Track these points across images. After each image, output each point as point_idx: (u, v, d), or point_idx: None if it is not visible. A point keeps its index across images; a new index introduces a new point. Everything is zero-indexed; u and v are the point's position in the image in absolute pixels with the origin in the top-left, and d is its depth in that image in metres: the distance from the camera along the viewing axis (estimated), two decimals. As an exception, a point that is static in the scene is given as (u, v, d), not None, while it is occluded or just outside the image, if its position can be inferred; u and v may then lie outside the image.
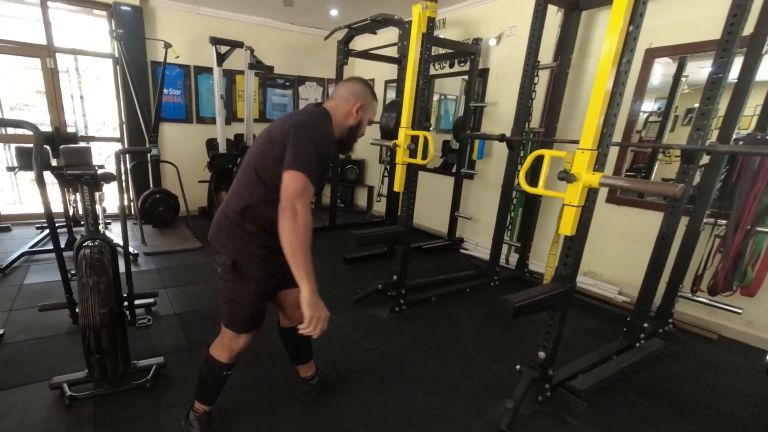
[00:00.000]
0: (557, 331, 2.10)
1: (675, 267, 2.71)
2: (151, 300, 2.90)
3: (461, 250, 4.71)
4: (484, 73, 4.33)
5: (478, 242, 4.63)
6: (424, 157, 2.59)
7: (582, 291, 3.58)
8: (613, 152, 3.36)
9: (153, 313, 2.88)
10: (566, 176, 1.69)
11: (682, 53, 2.99)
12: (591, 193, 1.73)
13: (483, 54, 4.29)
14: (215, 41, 4.74)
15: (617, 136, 3.29)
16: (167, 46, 4.72)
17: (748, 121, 2.62)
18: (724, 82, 2.06)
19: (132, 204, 5.07)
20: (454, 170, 4.60)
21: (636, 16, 1.47)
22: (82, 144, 3.17)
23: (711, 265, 2.66)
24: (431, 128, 5.39)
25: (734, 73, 2.31)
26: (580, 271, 3.71)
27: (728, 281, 2.55)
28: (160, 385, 2.13)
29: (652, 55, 3.05)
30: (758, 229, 2.35)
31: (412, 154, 2.63)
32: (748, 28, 2.25)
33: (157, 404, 2.00)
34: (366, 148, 6.37)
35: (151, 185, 4.86)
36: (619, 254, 3.44)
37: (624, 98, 3.25)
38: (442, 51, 4.54)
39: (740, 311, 2.58)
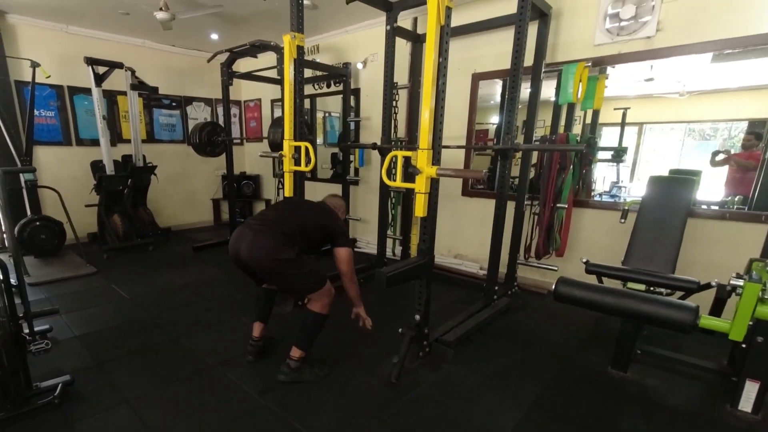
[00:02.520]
0: (426, 295, 2.60)
1: (512, 241, 3.45)
2: (47, 326, 2.80)
3: (355, 249, 5.16)
4: (357, 92, 4.88)
5: (369, 240, 5.13)
6: (307, 164, 2.96)
7: (453, 270, 4.25)
8: (460, 155, 4.07)
9: (50, 338, 2.77)
10: (414, 170, 2.19)
11: (499, 77, 3.83)
12: (433, 182, 2.24)
13: (354, 76, 4.83)
14: (91, 61, 4.57)
15: (461, 141, 4.00)
16: (35, 65, 4.41)
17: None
18: (517, 99, 2.78)
19: (5, 235, 4.59)
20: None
21: (442, 51, 2.03)
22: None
23: (535, 237, 3.44)
24: (320, 142, 5.80)
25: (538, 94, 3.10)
26: (451, 253, 4.42)
27: (546, 247, 3.34)
28: (71, 401, 2.11)
29: (477, 77, 3.87)
30: (558, 205, 3.17)
31: (297, 162, 2.98)
32: (529, 60, 3.06)
33: (69, 418, 1.99)
34: (259, 162, 6.53)
35: (29, 213, 4.47)
36: (477, 237, 4.17)
37: (460, 115, 4.00)
38: (319, 73, 4.96)
39: (556, 268, 3.40)
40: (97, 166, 4.96)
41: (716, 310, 2.06)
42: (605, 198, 6.60)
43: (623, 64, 3.16)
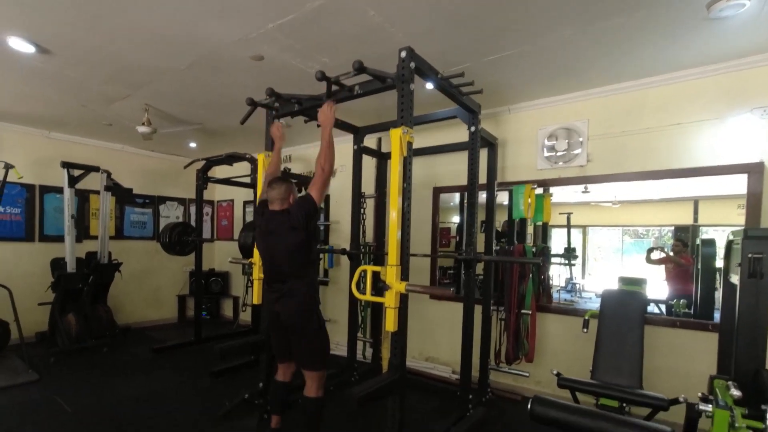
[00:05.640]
0: (399, 416, 2.32)
1: (482, 346, 3.30)
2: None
3: (324, 351, 4.79)
4: (327, 197, 4.99)
5: (338, 341, 4.80)
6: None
7: (425, 374, 3.98)
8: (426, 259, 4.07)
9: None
10: (383, 286, 2.09)
11: (457, 191, 4.18)
12: (403, 297, 2.14)
13: (323, 184, 4.96)
14: (67, 165, 4.46)
15: (424, 248, 4.05)
16: (8, 166, 4.26)
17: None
18: (476, 214, 2.89)
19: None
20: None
21: (406, 177, 2.08)
22: None
23: (503, 342, 3.31)
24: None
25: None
26: (422, 356, 4.17)
27: (515, 352, 3.21)
28: None
29: (438, 191, 4.12)
30: (522, 311, 3.10)
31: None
32: (483, 178, 3.23)
33: None
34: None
35: (-29, 316, 3.97)
36: (447, 340, 4.00)
37: (424, 221, 4.06)
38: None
39: (527, 375, 3.24)
40: (58, 264, 4.64)
41: (690, 429, 1.93)
42: (563, 294, 6.70)
43: (563, 186, 3.50)
